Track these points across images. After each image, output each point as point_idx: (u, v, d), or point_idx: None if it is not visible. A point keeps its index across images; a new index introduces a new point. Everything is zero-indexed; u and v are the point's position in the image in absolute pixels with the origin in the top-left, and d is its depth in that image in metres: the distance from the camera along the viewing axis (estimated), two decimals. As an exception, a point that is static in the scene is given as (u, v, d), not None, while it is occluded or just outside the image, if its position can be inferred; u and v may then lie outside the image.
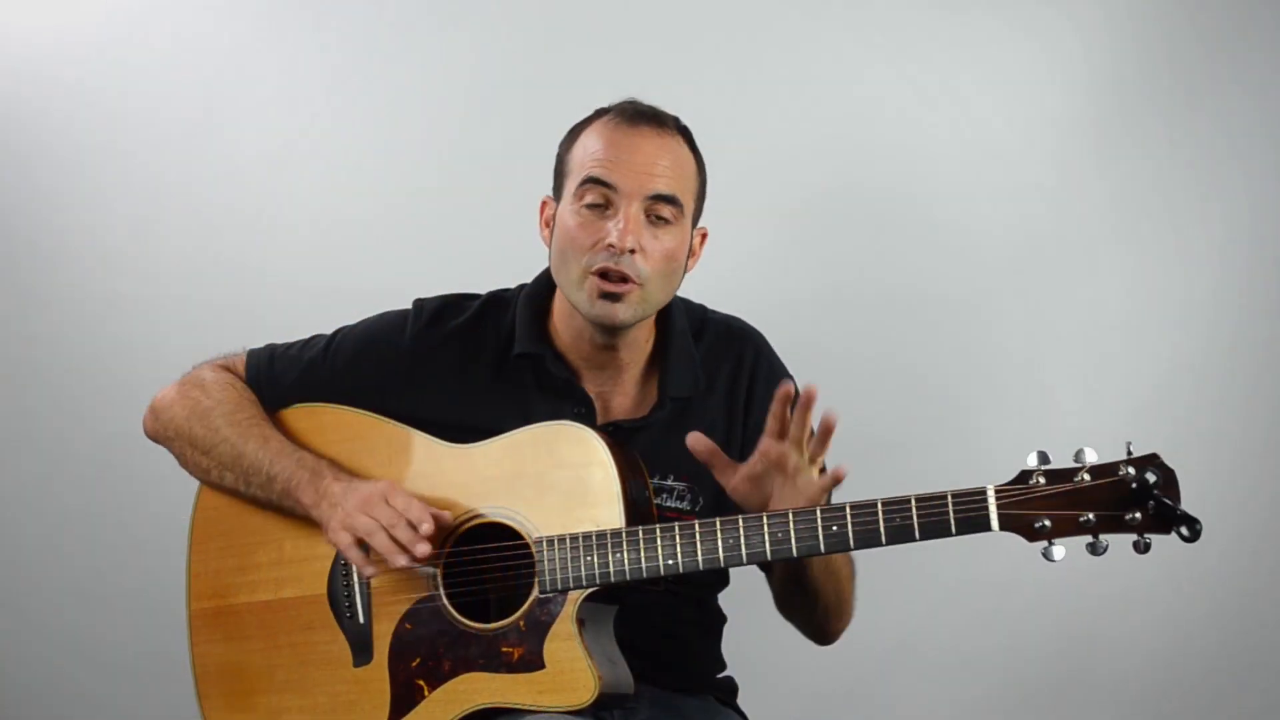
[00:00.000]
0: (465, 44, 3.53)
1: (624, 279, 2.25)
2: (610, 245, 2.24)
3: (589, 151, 2.29)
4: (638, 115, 2.31)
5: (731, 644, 2.51)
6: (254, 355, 2.46)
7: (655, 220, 2.26)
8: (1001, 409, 3.46)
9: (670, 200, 2.27)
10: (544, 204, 2.39)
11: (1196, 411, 3.43)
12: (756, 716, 2.47)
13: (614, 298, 2.25)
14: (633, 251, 2.24)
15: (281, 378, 2.43)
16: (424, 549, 2.18)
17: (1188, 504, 1.98)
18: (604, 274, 2.25)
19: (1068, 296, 3.47)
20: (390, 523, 2.19)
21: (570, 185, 2.30)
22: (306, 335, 2.48)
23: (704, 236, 2.39)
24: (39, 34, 3.58)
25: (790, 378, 2.42)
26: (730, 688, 2.49)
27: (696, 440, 2.14)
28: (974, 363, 3.47)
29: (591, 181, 2.26)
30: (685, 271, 2.36)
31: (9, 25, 3.59)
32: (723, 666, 2.51)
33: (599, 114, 2.34)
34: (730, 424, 2.37)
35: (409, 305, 2.46)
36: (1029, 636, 3.43)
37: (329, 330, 2.48)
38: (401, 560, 2.18)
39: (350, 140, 3.56)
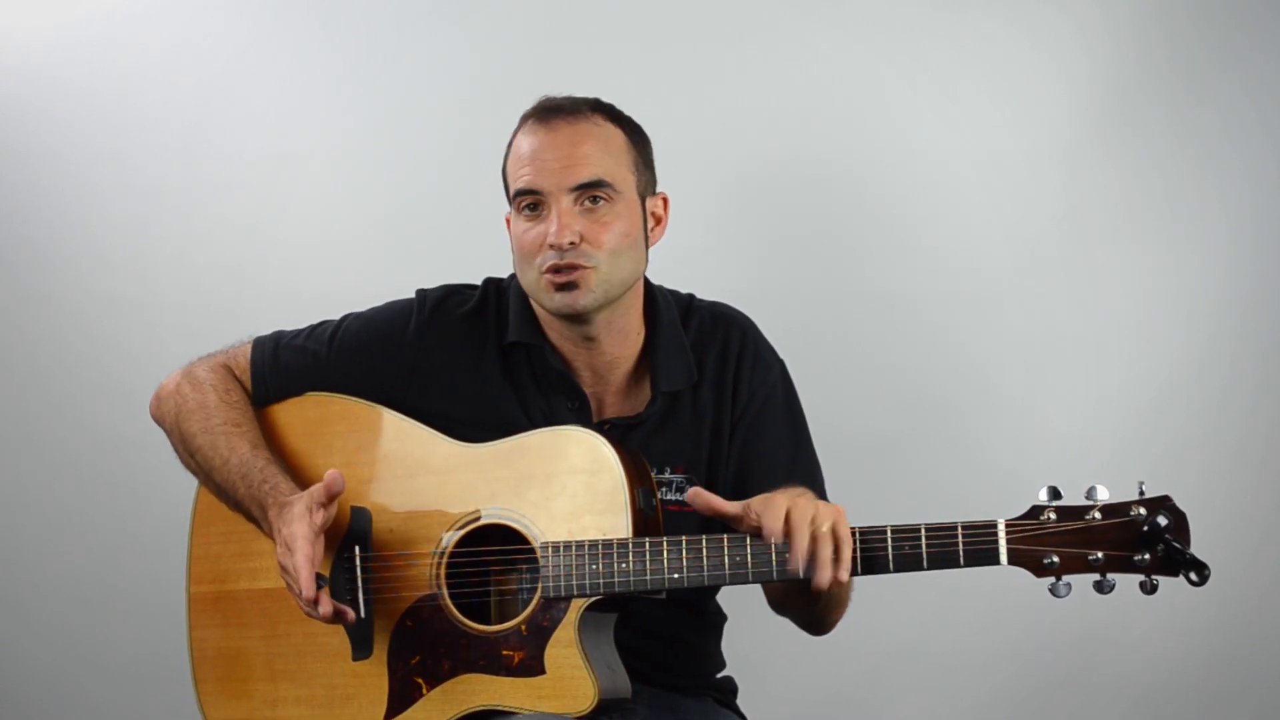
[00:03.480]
0: (464, 48, 3.51)
1: (574, 267, 2.26)
2: (551, 245, 2.26)
3: (516, 162, 2.32)
4: (548, 112, 2.33)
5: (731, 644, 2.52)
6: (259, 345, 2.46)
7: (590, 205, 2.28)
8: (1001, 413, 3.45)
9: (597, 184, 2.28)
10: (508, 221, 2.39)
11: (1199, 416, 3.42)
12: (756, 717, 2.47)
13: (569, 287, 2.27)
14: (574, 244, 2.25)
15: (287, 368, 2.42)
16: (325, 610, 2.19)
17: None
18: (554, 270, 2.27)
19: (1069, 298, 3.45)
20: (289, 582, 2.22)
21: (510, 199, 2.34)
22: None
23: (665, 201, 2.40)
24: (39, 34, 3.56)
25: (779, 360, 2.44)
26: (730, 688, 2.50)
27: (695, 496, 2.13)
28: (975, 365, 3.46)
29: (521, 193, 2.30)
30: (649, 242, 2.37)
31: (9, 25, 3.56)
32: (722, 666, 2.52)
33: (522, 120, 2.37)
34: (719, 409, 2.37)
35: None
36: (1028, 639, 3.42)
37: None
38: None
39: (349, 142, 3.54)
